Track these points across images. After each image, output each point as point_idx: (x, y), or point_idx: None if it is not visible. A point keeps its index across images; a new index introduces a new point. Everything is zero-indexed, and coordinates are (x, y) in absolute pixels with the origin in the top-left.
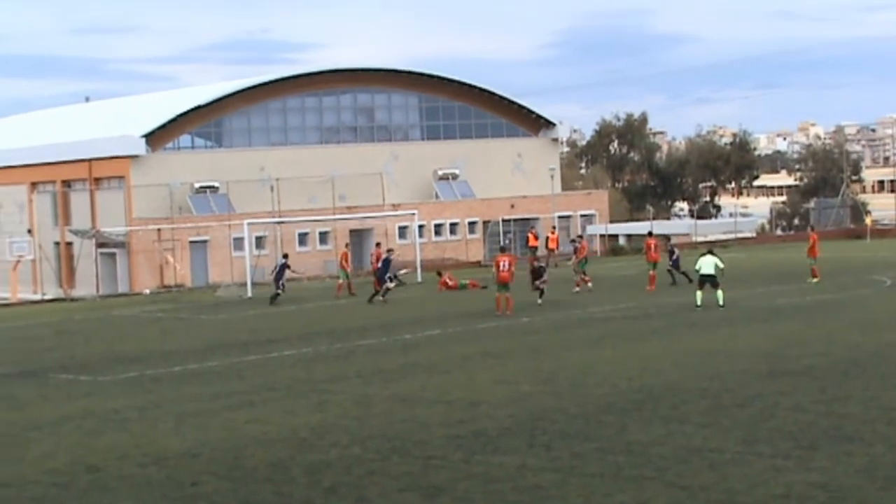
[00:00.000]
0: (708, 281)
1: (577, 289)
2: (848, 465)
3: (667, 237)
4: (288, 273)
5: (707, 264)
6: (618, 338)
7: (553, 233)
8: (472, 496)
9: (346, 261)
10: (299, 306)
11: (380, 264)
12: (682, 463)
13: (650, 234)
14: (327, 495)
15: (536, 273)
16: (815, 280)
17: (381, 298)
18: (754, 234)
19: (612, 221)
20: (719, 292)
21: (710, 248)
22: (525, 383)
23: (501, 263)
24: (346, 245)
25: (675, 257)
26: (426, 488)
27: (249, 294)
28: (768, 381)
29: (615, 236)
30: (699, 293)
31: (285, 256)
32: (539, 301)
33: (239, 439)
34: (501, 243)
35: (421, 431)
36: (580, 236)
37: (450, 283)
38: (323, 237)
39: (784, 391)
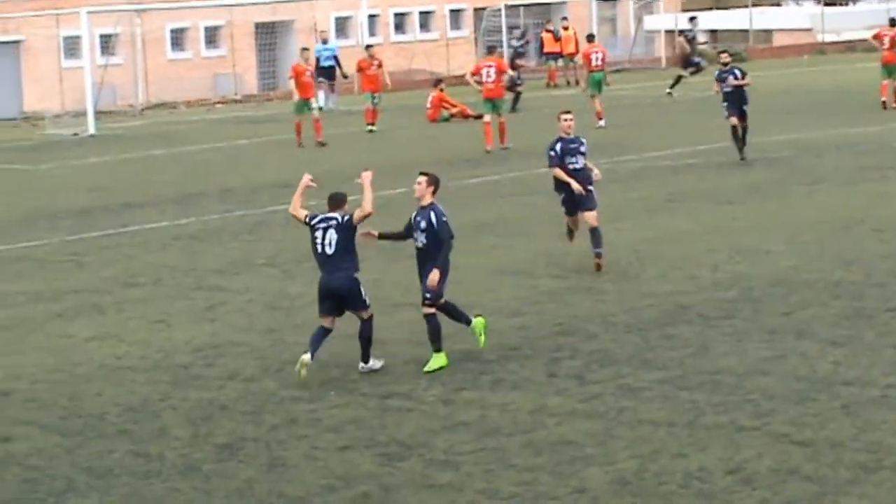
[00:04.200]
0: None
1: (602, 122)
2: None
3: None
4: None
5: None
6: (695, 199)
7: (566, 29)
8: (456, 457)
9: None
10: (172, 150)
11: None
12: (798, 403)
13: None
14: (222, 457)
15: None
16: None
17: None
18: None
19: (685, 10)
20: None
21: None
22: (544, 275)
23: (484, 71)
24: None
25: None
26: (384, 444)
27: (91, 130)
28: None
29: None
30: None
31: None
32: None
33: (77, 367)
34: (519, 44)
35: (375, 352)
36: (592, 35)
37: (447, 107)
38: (211, 36)
39: None
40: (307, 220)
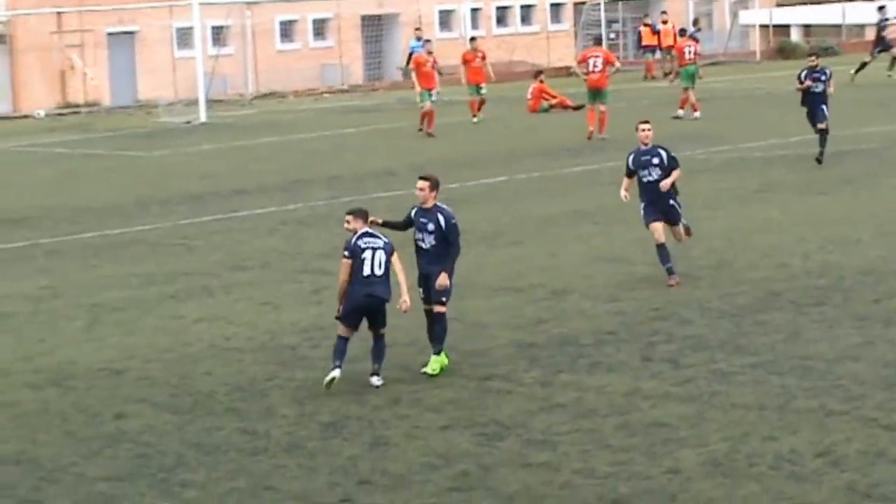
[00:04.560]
0: None
1: (686, 112)
2: None
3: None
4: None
5: None
6: (788, 190)
7: (665, 23)
8: (554, 437)
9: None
10: (280, 138)
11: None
12: (886, 388)
13: None
14: (326, 435)
15: None
16: None
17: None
18: None
19: (779, 4)
20: None
21: None
22: (640, 262)
23: (591, 61)
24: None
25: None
26: (483, 425)
27: (203, 118)
28: None
29: (784, 27)
30: None
31: None
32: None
33: (187, 348)
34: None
35: (476, 336)
36: (688, 30)
37: (547, 98)
38: (319, 28)
39: None
40: (351, 251)
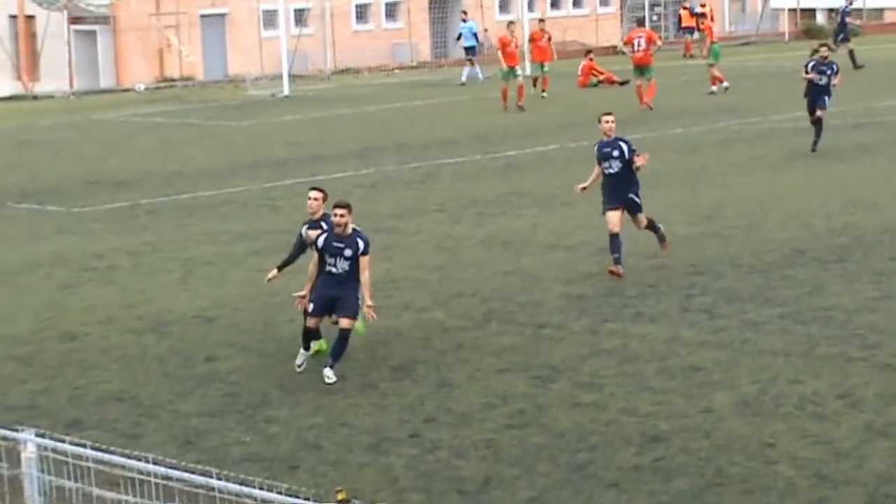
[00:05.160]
0: None
1: (714, 88)
2: None
3: None
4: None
5: None
6: (812, 158)
7: (703, 6)
8: (601, 380)
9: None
10: (355, 110)
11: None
12: None
13: None
14: (397, 377)
15: None
16: None
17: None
18: None
19: None
20: None
21: None
22: (679, 222)
23: (636, 41)
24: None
25: None
26: (537, 368)
27: (286, 92)
28: None
29: (810, 11)
30: None
31: None
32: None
33: (270, 298)
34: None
35: (530, 288)
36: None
37: (596, 74)
38: (390, 10)
39: None
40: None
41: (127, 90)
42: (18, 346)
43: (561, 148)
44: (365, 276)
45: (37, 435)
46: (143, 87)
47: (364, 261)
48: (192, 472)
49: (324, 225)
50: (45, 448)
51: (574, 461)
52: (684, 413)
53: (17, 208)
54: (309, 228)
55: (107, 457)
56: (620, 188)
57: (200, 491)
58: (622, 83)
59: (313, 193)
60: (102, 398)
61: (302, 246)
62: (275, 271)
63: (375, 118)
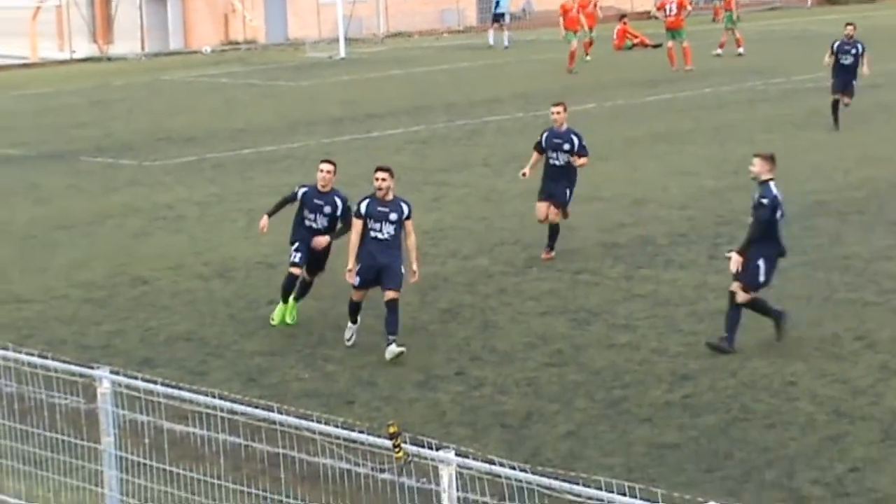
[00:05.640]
0: None
1: (720, 50)
2: None
3: None
4: None
5: None
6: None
7: None
8: (634, 322)
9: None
10: (406, 71)
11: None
12: None
13: None
14: (444, 319)
15: None
16: None
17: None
18: None
19: None
20: None
21: None
22: (707, 176)
23: (668, 6)
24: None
25: None
26: (574, 311)
27: (342, 54)
28: None
29: None
30: None
31: None
32: None
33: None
34: None
35: (569, 238)
36: None
37: (630, 37)
38: None
39: None
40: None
41: (194, 52)
42: (94, 290)
43: (597, 106)
44: (411, 240)
45: (111, 372)
46: (209, 49)
47: (409, 225)
48: (255, 407)
49: (337, 199)
50: (119, 384)
51: (609, 397)
52: (712, 353)
53: (92, 162)
54: (315, 199)
55: (176, 392)
56: (560, 181)
57: (263, 424)
58: (655, 46)
59: (325, 166)
60: (172, 338)
61: (291, 199)
62: (265, 220)
63: (425, 79)
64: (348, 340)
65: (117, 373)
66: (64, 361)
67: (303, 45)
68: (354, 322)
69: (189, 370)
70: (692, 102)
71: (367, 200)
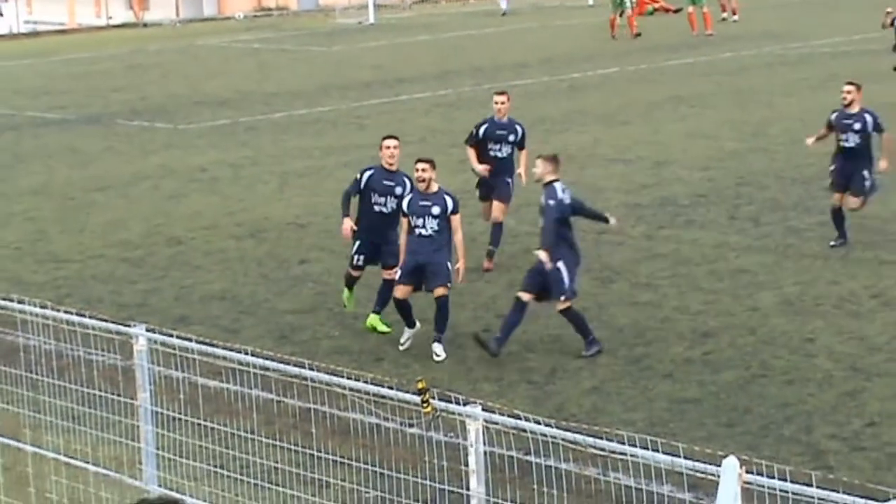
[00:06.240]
0: None
1: (725, 15)
2: None
3: None
4: None
5: None
6: (849, 79)
7: None
8: (656, 281)
9: None
10: (434, 36)
11: None
12: None
13: None
14: (470, 278)
15: None
16: None
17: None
18: None
19: None
20: None
21: None
22: (727, 138)
23: None
24: None
25: None
26: (599, 270)
27: (372, 20)
28: None
29: None
30: None
31: None
32: None
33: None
34: None
35: (592, 198)
36: None
37: (651, 2)
38: None
39: None
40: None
41: (228, 18)
42: (130, 250)
43: (621, 71)
44: (458, 237)
45: (147, 330)
46: (242, 15)
47: (455, 220)
48: (287, 364)
49: (406, 181)
50: (155, 341)
51: (632, 354)
52: (732, 311)
53: (128, 125)
54: (385, 180)
55: (210, 349)
56: (501, 174)
57: (294, 380)
58: (675, 11)
59: (390, 142)
60: (206, 297)
61: (356, 187)
62: (349, 222)
63: (452, 44)
64: (402, 345)
65: (153, 330)
66: (101, 319)
67: (333, 12)
68: (411, 326)
69: (223, 328)
70: (713, 66)
71: (409, 196)
